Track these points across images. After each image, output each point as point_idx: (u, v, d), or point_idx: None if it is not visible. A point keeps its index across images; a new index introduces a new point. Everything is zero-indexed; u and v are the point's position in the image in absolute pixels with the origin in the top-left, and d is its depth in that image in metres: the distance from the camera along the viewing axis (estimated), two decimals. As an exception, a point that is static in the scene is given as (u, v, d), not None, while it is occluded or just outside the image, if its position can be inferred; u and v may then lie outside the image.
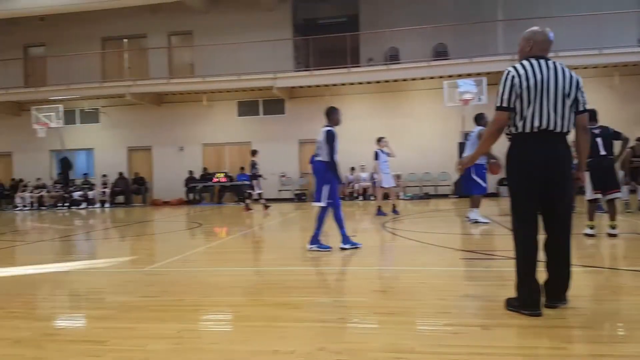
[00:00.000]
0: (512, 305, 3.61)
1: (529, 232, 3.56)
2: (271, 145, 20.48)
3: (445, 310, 3.72)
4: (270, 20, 20.78)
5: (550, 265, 3.61)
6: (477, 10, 19.24)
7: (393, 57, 19.70)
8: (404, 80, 19.58)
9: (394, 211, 12.44)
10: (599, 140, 7.24)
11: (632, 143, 11.43)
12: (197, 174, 20.93)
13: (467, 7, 19.56)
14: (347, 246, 6.70)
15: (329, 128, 6.73)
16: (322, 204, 6.62)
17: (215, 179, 20.17)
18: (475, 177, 9.46)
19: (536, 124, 3.51)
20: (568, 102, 3.55)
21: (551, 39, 3.71)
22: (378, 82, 19.62)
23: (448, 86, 17.39)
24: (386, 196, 12.67)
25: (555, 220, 3.59)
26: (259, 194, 15.35)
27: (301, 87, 20.25)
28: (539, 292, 3.51)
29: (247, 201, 15.27)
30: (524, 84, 3.52)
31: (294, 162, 20.76)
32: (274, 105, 21.12)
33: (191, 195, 20.60)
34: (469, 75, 17.51)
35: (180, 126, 21.71)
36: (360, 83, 19.77)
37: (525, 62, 3.60)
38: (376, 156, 12.34)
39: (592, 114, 7.45)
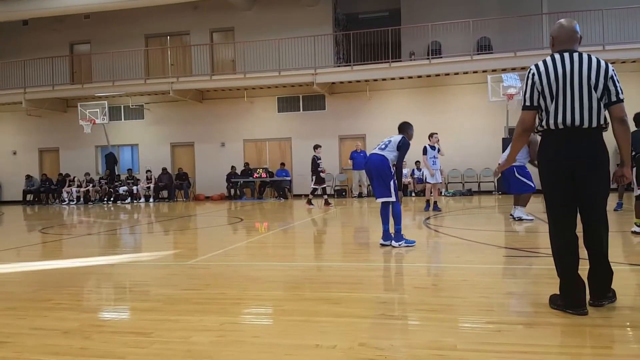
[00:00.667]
0: (556, 303, 3.54)
1: (563, 230, 3.48)
2: (311, 141, 20.56)
3: (488, 307, 3.68)
4: (311, 15, 20.84)
5: (591, 262, 3.52)
6: (521, 3, 18.79)
7: (435, 52, 19.44)
8: (446, 74, 19.31)
9: (436, 207, 12.32)
10: None
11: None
12: (239, 170, 21.23)
13: (511, 0, 19.12)
14: (402, 243, 6.63)
15: (404, 136, 6.74)
16: (393, 199, 6.55)
17: (255, 175, 20.42)
18: (519, 177, 9.25)
19: (560, 119, 3.41)
20: (596, 95, 3.39)
21: (573, 30, 3.57)
22: (419, 76, 19.42)
23: (492, 81, 17.05)
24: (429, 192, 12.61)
25: (589, 218, 3.48)
26: (323, 189, 15.19)
27: (341, 82, 20.24)
28: (581, 291, 3.42)
29: (310, 196, 15.24)
30: (545, 80, 3.45)
31: (334, 158, 20.78)
32: (314, 100, 21.19)
33: (232, 191, 20.91)
34: (513, 69, 17.12)
35: (221, 122, 22.05)
36: (402, 78, 19.61)
37: (547, 59, 3.52)
38: (425, 151, 12.28)
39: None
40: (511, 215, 9.69)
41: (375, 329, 3.27)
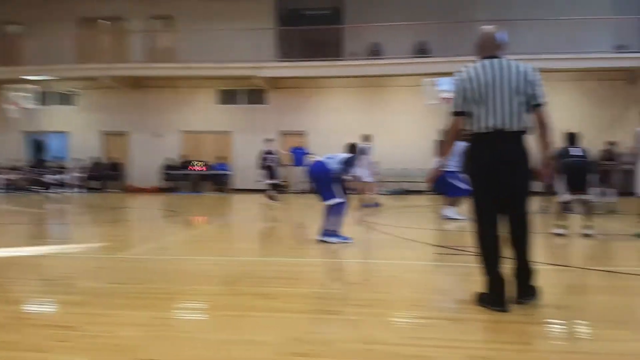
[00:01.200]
0: (481, 300, 3.68)
1: (488, 230, 3.64)
2: (251, 136, 20.38)
3: (418, 303, 3.80)
4: (254, 8, 20.62)
5: (514, 262, 3.70)
6: (458, 9, 19.38)
7: (376, 53, 19.75)
8: (386, 76, 19.66)
9: (371, 205, 12.55)
10: (572, 149, 7.38)
11: (602, 147, 11.70)
12: (175, 162, 20.75)
13: (449, 6, 19.68)
14: (336, 240, 6.68)
15: (351, 156, 6.85)
16: (338, 200, 6.60)
17: (193, 167, 20.02)
18: (452, 182, 9.47)
19: (486, 124, 3.56)
20: (519, 99, 3.55)
21: (497, 38, 3.72)
22: (360, 76, 19.67)
23: (428, 84, 17.48)
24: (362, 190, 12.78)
25: (513, 217, 3.66)
26: (273, 184, 14.99)
27: (284, 77, 20.19)
28: (503, 288, 3.57)
29: (270, 191, 14.98)
30: (472, 86, 3.59)
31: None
32: (255, 95, 21.01)
33: (168, 183, 20.42)
34: (449, 74, 17.63)
35: (158, 112, 21.45)
36: (343, 77, 19.80)
37: (475, 65, 3.66)
38: (363, 151, 12.48)
39: (571, 138, 7.62)
40: (446, 215, 9.93)
41: (310, 323, 3.30)
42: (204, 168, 19.96)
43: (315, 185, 6.73)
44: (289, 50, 20.52)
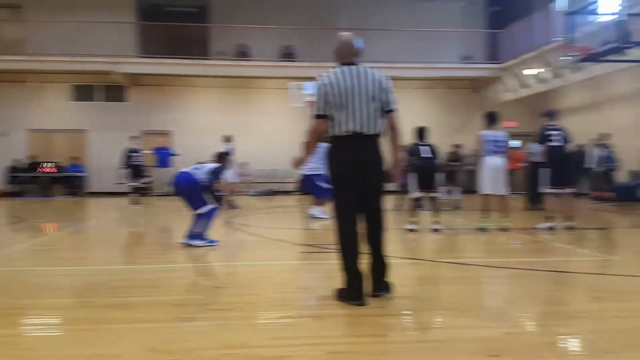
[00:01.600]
0: (341, 296, 3.82)
1: (348, 227, 3.81)
2: (110, 135, 19.20)
3: (281, 303, 3.84)
4: (114, 1, 19.49)
5: (371, 256, 3.89)
6: (323, 16, 19.98)
7: (243, 54, 19.67)
8: (253, 77, 19.68)
9: (233, 206, 12.51)
10: (422, 147, 7.95)
11: (449, 149, 12.79)
12: (22, 163, 18.89)
13: (314, 12, 20.20)
14: (202, 243, 6.51)
15: (220, 166, 6.63)
16: (210, 206, 6.42)
17: (42, 169, 18.38)
18: (320, 184, 9.73)
19: (347, 127, 3.74)
20: (375, 105, 3.78)
21: (355, 45, 3.92)
22: (227, 77, 19.47)
23: (293, 87, 17.81)
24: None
25: (370, 215, 3.87)
26: (137, 187, 13.94)
27: (145, 74, 19.32)
28: (361, 283, 3.75)
29: (134, 194, 13.97)
30: (333, 90, 3.75)
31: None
32: (115, 91, 19.81)
33: (13, 187, 18.53)
34: (313, 78, 18.08)
35: (3, 109, 19.41)
36: (210, 76, 19.44)
37: (335, 70, 3.83)
38: (230, 152, 12.34)
39: (421, 132, 8.19)
40: (312, 214, 10.15)
41: (167, 332, 3.18)
42: (55, 170, 18.41)
43: (183, 197, 6.51)
44: (152, 46, 19.67)
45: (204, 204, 6.39)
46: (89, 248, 7.22)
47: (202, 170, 6.45)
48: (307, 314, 3.55)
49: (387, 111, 3.85)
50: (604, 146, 13.80)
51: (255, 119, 19.97)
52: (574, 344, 3.08)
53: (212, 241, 6.53)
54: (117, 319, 3.47)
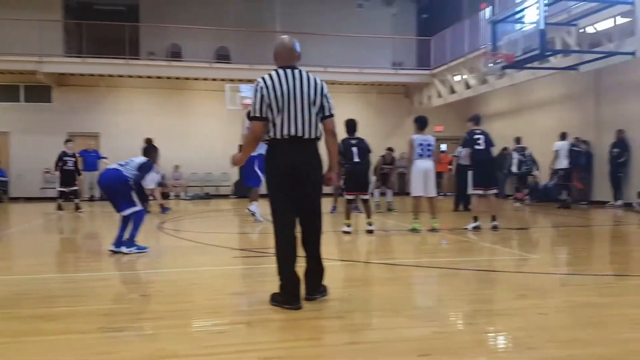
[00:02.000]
0: (276, 300, 3.80)
1: (285, 230, 3.80)
2: (35, 137, 18.27)
3: (214, 310, 3.77)
4: (38, -3, 18.56)
5: (307, 260, 3.91)
6: (257, 18, 19.88)
7: (175, 54, 19.24)
8: (187, 78, 19.30)
9: (166, 210, 12.28)
10: (354, 149, 8.08)
11: (382, 152, 13.06)
12: None
13: (248, 14, 20.07)
14: (132, 250, 6.26)
15: (148, 160, 6.36)
16: (138, 207, 6.17)
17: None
18: (257, 170, 9.59)
19: (285, 131, 3.73)
20: (314, 110, 3.80)
21: (293, 49, 3.92)
22: (159, 77, 18.98)
23: (230, 90, 17.61)
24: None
25: (307, 219, 3.89)
26: (63, 192, 13.13)
27: (72, 74, 18.53)
28: (297, 287, 3.76)
29: (61, 200, 13.17)
30: (272, 94, 3.72)
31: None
32: (39, 92, 18.86)
33: None
34: (249, 81, 17.98)
35: None
36: (140, 77, 18.88)
37: (273, 73, 3.81)
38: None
39: (352, 126, 8.29)
40: (248, 209, 10.01)
41: (94, 344, 3.04)
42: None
43: (110, 196, 6.25)
44: (79, 45, 18.89)
45: (131, 205, 6.15)
46: (12, 256, 6.83)
47: (129, 165, 6.19)
48: (241, 320, 3.50)
49: (326, 116, 3.87)
50: (521, 149, 14.51)
51: (189, 121, 19.58)
52: (500, 341, 3.21)
53: (141, 247, 6.31)
54: (42, 330, 3.29)
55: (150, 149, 6.70)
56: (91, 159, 16.94)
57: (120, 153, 17.77)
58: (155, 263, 5.93)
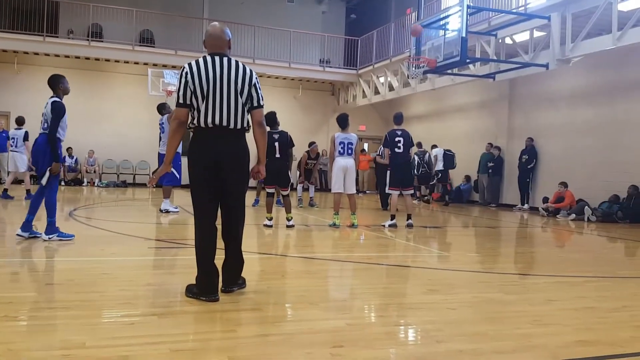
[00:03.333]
0: (191, 292, 3.74)
1: (205, 221, 3.73)
2: None
3: (125, 300, 3.64)
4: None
5: (226, 253, 3.87)
6: (185, 4, 19.36)
7: (96, 34, 18.32)
8: (107, 60, 18.45)
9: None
10: (276, 144, 8.07)
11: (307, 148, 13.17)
12: None
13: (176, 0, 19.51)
14: (54, 236, 5.92)
15: (55, 99, 5.87)
16: (43, 182, 5.77)
17: None
18: (172, 169, 9.44)
19: (209, 119, 3.64)
20: (241, 99, 3.72)
21: (226, 36, 3.81)
22: (78, 57, 18.00)
23: (153, 75, 17.03)
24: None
25: (228, 211, 3.83)
26: None
27: (-21, 49, 17.21)
28: (215, 278, 3.71)
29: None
30: (197, 80, 3.63)
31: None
32: (-59, 67, 17.38)
33: None
34: (174, 66, 17.48)
35: None
36: (58, 55, 17.82)
37: (200, 59, 3.70)
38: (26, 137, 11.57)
39: (272, 118, 8.25)
40: (164, 210, 9.80)
41: (-8, 334, 2.86)
42: None
43: (37, 162, 5.87)
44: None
45: (46, 167, 5.77)
46: None
47: (44, 118, 5.87)
48: (153, 312, 3.40)
49: (254, 107, 3.79)
50: (421, 154, 15.13)
51: (107, 105, 18.74)
52: (411, 334, 3.33)
53: (63, 234, 5.99)
54: None
55: (54, 80, 5.97)
56: (2, 140, 15.87)
57: (32, 134, 16.78)
58: (65, 251, 5.63)
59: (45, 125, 5.86)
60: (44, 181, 5.80)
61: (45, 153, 5.78)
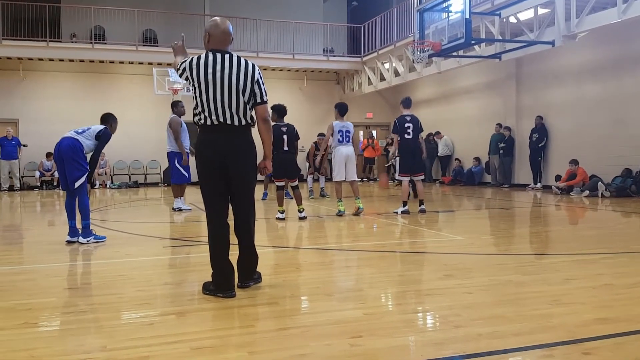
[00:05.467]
0: (208, 289, 3.76)
1: (216, 218, 3.75)
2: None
3: (143, 301, 3.67)
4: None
5: (240, 248, 3.88)
6: (186, 2, 19.34)
7: (99, 37, 18.37)
8: (111, 62, 18.50)
9: None
10: (285, 137, 8.07)
11: (315, 139, 13.15)
12: None
13: (177, -3, 19.50)
14: (91, 239, 6.11)
15: (106, 128, 6.24)
16: (82, 181, 6.00)
17: None
18: (177, 166, 9.49)
19: (213, 117, 3.64)
20: (244, 97, 3.70)
21: (227, 31, 3.77)
22: (82, 61, 18.08)
23: (158, 74, 17.06)
24: None
25: (239, 207, 3.84)
26: None
27: (-14, 57, 17.33)
28: (230, 275, 3.72)
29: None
30: (195, 78, 3.64)
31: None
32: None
33: None
34: (178, 64, 17.48)
35: None
36: (62, 60, 17.91)
37: (202, 55, 3.69)
38: None
39: (283, 110, 8.25)
40: (177, 208, 9.84)
41: (14, 340, 2.89)
42: None
43: (63, 166, 5.98)
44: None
45: (81, 174, 5.95)
46: None
47: (87, 133, 6.04)
48: (172, 311, 3.43)
49: (257, 103, 3.78)
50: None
51: (114, 106, 18.62)
52: (429, 320, 3.32)
53: (98, 237, 6.18)
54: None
55: (109, 117, 6.49)
56: (11, 147, 16.09)
57: (41, 140, 17.00)
58: (82, 255, 5.69)
59: (73, 132, 6.07)
60: (77, 185, 5.96)
61: (72, 160, 5.92)
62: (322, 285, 4.10)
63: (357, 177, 8.80)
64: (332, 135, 8.55)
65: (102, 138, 6.13)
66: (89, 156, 6.15)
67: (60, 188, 5.84)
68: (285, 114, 8.27)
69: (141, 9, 18.00)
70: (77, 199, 6.11)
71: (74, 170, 5.95)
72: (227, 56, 3.70)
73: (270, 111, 3.93)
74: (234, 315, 3.36)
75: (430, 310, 3.50)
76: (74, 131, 6.15)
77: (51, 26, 17.16)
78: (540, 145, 14.27)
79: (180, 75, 3.72)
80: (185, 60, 3.69)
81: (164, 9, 18.71)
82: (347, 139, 8.50)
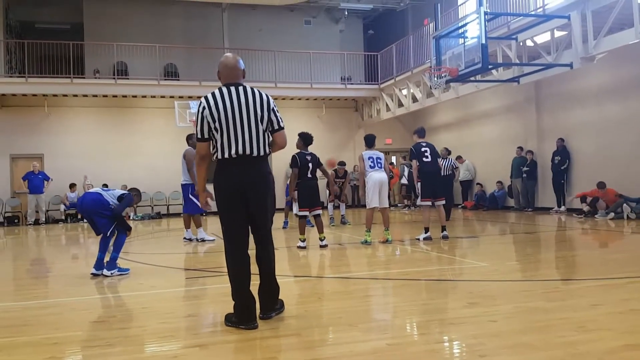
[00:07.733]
0: (230, 320, 3.77)
1: (236, 249, 3.78)
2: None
3: (167, 333, 3.69)
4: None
5: (261, 278, 3.89)
6: (205, 36, 19.79)
7: (121, 72, 18.86)
8: (134, 96, 18.94)
9: None
10: (310, 165, 8.10)
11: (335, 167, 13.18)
12: None
13: (196, 31, 19.96)
14: (115, 271, 6.24)
15: (129, 193, 6.52)
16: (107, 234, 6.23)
17: None
18: (191, 197, 9.54)
19: (232, 151, 3.70)
20: (262, 126, 3.77)
21: (235, 66, 3.86)
22: (105, 96, 18.54)
23: (179, 107, 17.38)
24: None
25: (259, 237, 3.88)
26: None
27: (14, 95, 17.85)
28: (252, 306, 3.72)
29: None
30: (215, 114, 3.70)
31: (4, 180, 18.06)
32: (-22, 114, 18.10)
33: None
34: (199, 97, 17.82)
35: None
36: (86, 96, 18.39)
37: (216, 92, 3.77)
38: None
39: (310, 139, 8.31)
40: (187, 239, 9.86)
41: (41, 375, 2.94)
42: None
43: (89, 218, 6.22)
44: (22, 65, 18.27)
45: (110, 224, 6.18)
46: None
47: (110, 193, 6.30)
48: (195, 343, 3.44)
49: (275, 130, 3.85)
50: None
51: (137, 139, 19.17)
52: (454, 350, 3.28)
53: (122, 270, 6.29)
54: (-19, 366, 3.14)
55: (133, 189, 6.85)
56: (37, 181, 16.46)
57: (66, 175, 17.38)
58: (105, 287, 5.76)
59: (106, 191, 6.33)
60: (108, 232, 6.19)
61: (96, 212, 6.12)
62: (345, 315, 4.07)
63: (388, 204, 8.73)
64: (362, 163, 8.53)
65: (125, 200, 6.33)
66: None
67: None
68: (311, 143, 8.29)
69: (162, 44, 18.47)
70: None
71: (101, 219, 6.15)
72: (240, 88, 3.79)
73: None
74: (256, 347, 3.36)
75: (455, 339, 3.45)
76: (101, 188, 6.49)
77: (75, 63, 17.67)
78: (562, 167, 14.09)
79: (203, 120, 3.73)
80: (201, 102, 3.78)
81: (184, 43, 19.15)
82: (379, 164, 8.48)
